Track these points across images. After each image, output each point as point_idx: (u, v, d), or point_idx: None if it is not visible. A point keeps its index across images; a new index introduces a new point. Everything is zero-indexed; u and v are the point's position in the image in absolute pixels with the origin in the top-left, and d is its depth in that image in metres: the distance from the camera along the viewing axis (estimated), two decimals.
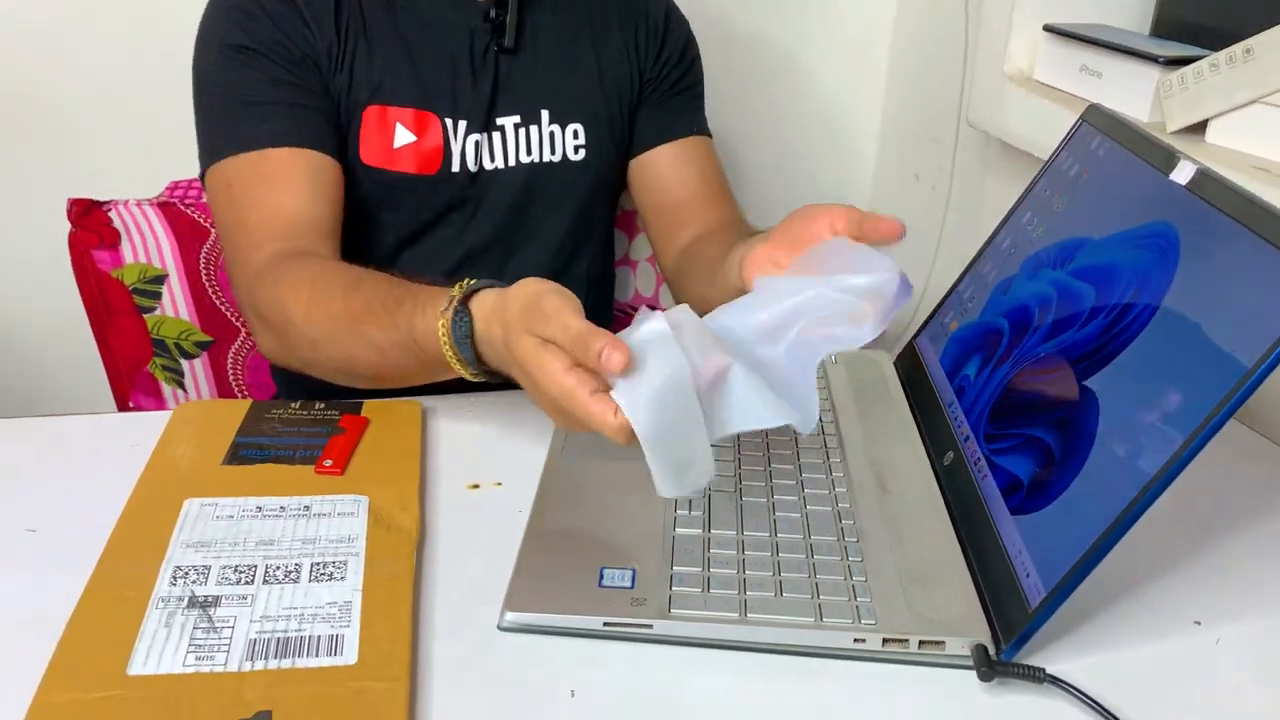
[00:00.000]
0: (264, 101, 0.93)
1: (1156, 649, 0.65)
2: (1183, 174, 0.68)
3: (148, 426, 0.80)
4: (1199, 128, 1.01)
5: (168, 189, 1.18)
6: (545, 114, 1.03)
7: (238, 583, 0.62)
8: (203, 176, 0.97)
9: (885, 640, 0.61)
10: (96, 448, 0.80)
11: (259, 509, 0.69)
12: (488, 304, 0.70)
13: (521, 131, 1.02)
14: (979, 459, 0.74)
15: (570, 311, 0.62)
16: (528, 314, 0.64)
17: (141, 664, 0.56)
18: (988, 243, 0.91)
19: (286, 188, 0.92)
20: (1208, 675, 0.63)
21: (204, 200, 1.13)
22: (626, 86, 1.08)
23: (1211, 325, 0.59)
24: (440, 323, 0.72)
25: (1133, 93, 1.08)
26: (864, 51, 1.65)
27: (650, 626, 0.61)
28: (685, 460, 0.59)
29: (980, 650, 0.60)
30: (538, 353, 0.62)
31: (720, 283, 0.88)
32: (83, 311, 1.18)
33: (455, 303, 0.71)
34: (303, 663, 0.56)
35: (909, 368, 0.94)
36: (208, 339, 1.20)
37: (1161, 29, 1.17)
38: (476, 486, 0.77)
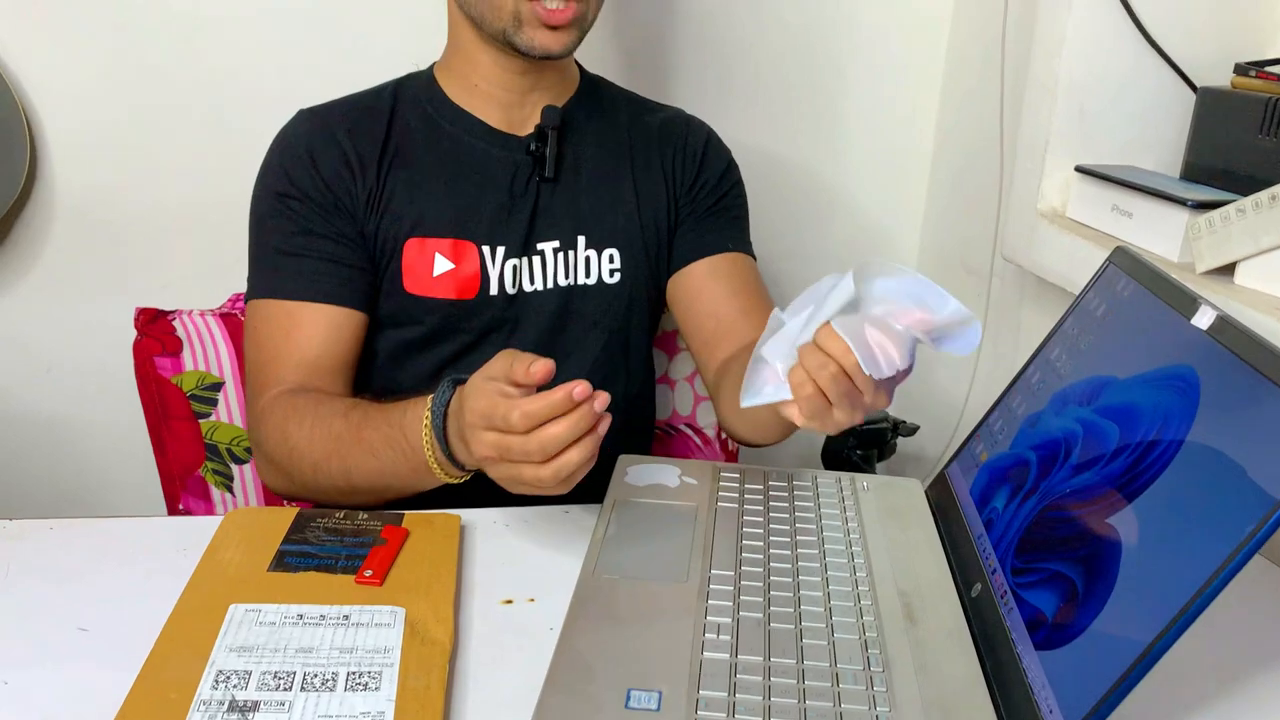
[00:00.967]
0: (295, 252, 1.01)
1: None
2: (1204, 319, 0.71)
3: (198, 531, 0.83)
4: (1228, 269, 1.03)
5: (230, 300, 1.24)
6: (582, 240, 1.08)
7: (276, 689, 0.64)
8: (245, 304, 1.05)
9: None
10: (149, 550, 0.83)
11: (300, 616, 0.71)
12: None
13: (560, 255, 1.07)
14: (1005, 592, 0.75)
15: (517, 352, 0.77)
16: (485, 366, 0.78)
17: None
18: (1018, 376, 0.93)
19: (304, 338, 1.00)
20: None
21: None
22: (663, 212, 1.12)
23: (1232, 465, 0.60)
24: (426, 410, 0.83)
25: (1163, 234, 1.10)
26: (903, 182, 1.70)
27: None
28: None
29: None
30: (477, 381, 0.77)
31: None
32: (141, 415, 1.23)
33: (444, 385, 0.83)
34: None
35: (940, 496, 0.95)
36: None
37: (1191, 173, 1.20)
38: (510, 602, 0.79)
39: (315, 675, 0.66)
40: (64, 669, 0.68)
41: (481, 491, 0.86)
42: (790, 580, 0.80)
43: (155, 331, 1.20)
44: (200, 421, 1.22)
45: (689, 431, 1.34)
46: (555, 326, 1.08)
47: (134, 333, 1.20)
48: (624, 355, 1.14)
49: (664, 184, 1.12)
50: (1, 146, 1.33)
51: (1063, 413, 0.82)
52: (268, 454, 0.97)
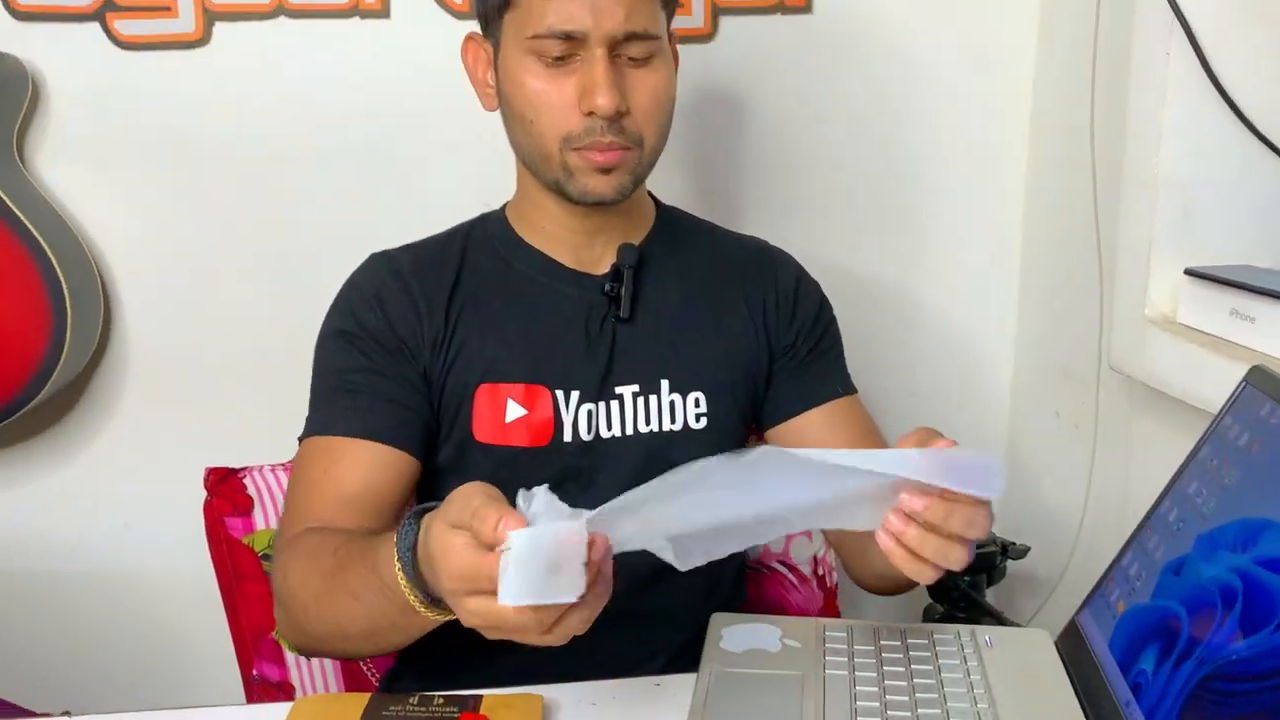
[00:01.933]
0: (351, 389, 0.97)
1: None
2: None
3: (273, 715, 0.77)
4: None
5: None
6: (665, 383, 1.02)
7: None
8: None
9: None
10: None
11: None
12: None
13: (640, 400, 1.01)
14: None
15: (476, 492, 0.67)
16: (444, 506, 0.68)
17: None
18: (1151, 512, 0.84)
19: (345, 473, 0.94)
20: None
21: None
22: (754, 356, 1.06)
23: None
24: (395, 544, 0.75)
25: None
26: (990, 288, 1.62)
27: None
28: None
29: None
30: (444, 534, 0.67)
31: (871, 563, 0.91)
32: (213, 576, 1.19)
33: (407, 520, 0.75)
34: None
35: (1073, 650, 0.85)
36: None
37: None
38: None
39: None
40: None
41: (557, 661, 0.79)
42: None
43: (225, 491, 1.16)
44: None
45: (783, 569, 1.25)
46: (637, 475, 1.01)
47: (204, 492, 1.17)
48: None
49: (753, 324, 1.07)
50: (78, 307, 1.34)
51: (1213, 560, 0.73)
52: (276, 598, 0.92)
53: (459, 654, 0.92)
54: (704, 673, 0.83)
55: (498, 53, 0.97)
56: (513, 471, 1.00)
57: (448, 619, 0.76)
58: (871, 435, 1.10)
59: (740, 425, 1.07)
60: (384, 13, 1.42)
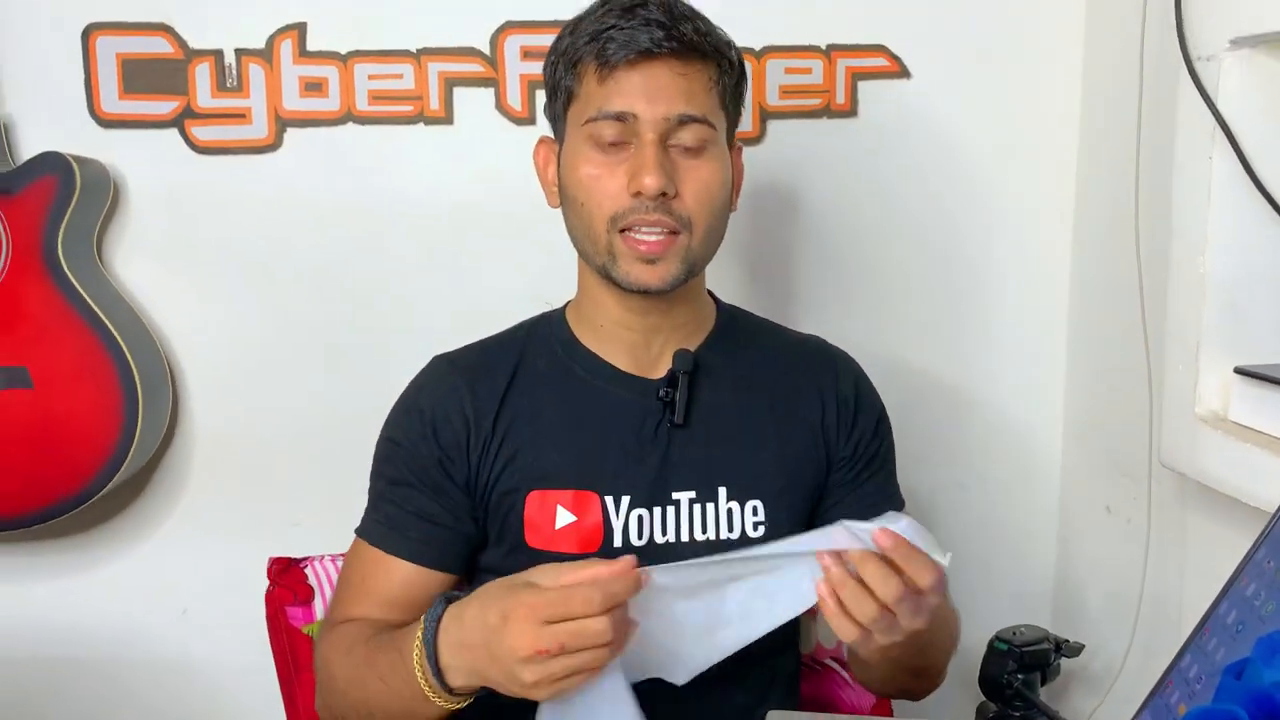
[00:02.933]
0: (394, 501, 1.03)
1: None
2: None
3: None
4: None
5: None
6: (723, 491, 1.03)
7: None
8: None
9: None
10: None
11: None
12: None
13: (697, 507, 1.02)
14: None
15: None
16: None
17: None
18: (1209, 613, 0.84)
19: (382, 584, 1.01)
20: None
21: None
22: (813, 464, 1.07)
23: None
24: (419, 629, 0.84)
25: None
26: (1038, 381, 1.64)
27: None
28: None
29: None
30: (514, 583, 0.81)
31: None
32: (269, 664, 1.21)
33: (437, 601, 0.86)
34: None
35: None
36: None
37: None
38: None
39: None
40: None
41: None
42: None
43: (288, 581, 1.19)
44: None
45: (835, 666, 1.25)
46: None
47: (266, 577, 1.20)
48: None
49: (811, 429, 1.08)
50: (149, 399, 1.39)
51: (1274, 664, 0.73)
52: (316, 679, 0.99)
53: None
54: None
55: (561, 148, 1.02)
56: None
57: (453, 706, 0.85)
58: None
59: (797, 530, 1.08)
60: (448, 119, 1.49)
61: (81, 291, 1.36)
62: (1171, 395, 1.24)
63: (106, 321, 1.36)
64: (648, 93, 0.93)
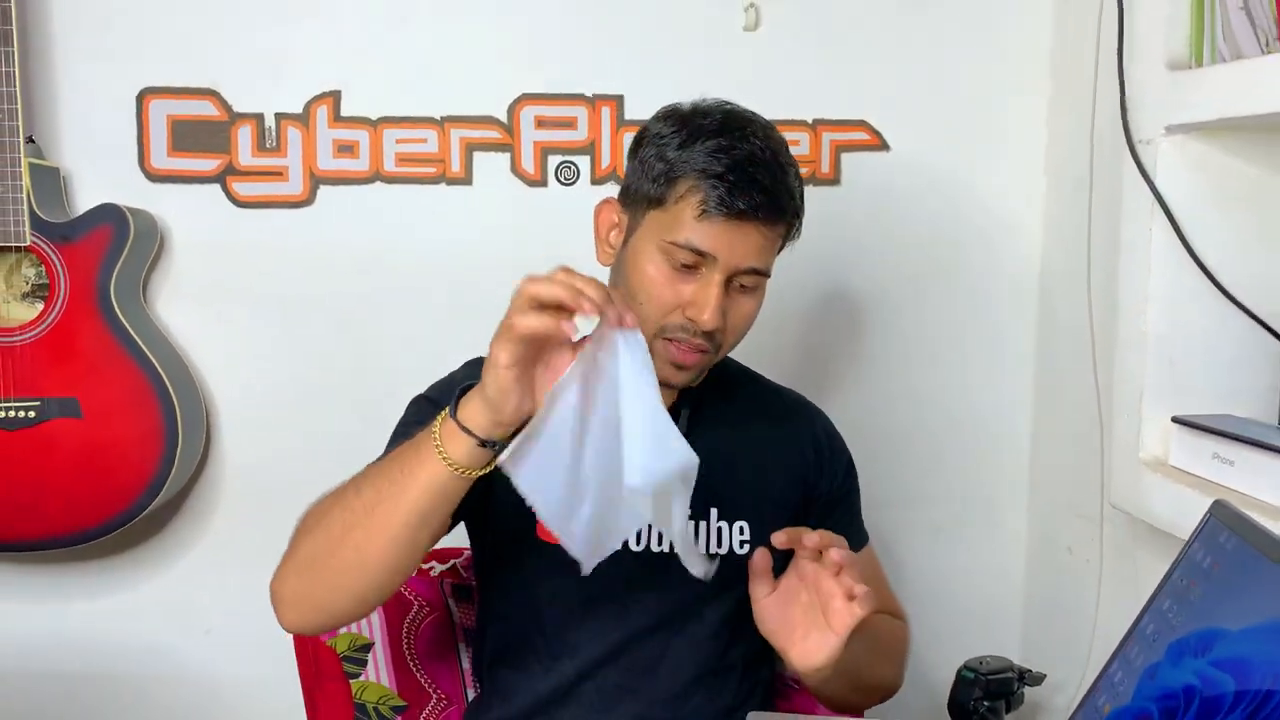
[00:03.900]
0: (408, 435, 1.06)
1: None
2: None
3: None
4: None
5: None
6: (714, 511, 1.16)
7: None
8: None
9: None
10: None
11: None
12: None
13: (690, 524, 1.15)
14: None
15: None
16: None
17: None
18: (1134, 627, 0.96)
19: None
20: None
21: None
22: (793, 495, 1.21)
23: None
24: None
25: (1268, 481, 1.14)
26: (1006, 436, 1.77)
27: None
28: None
29: None
30: None
31: None
32: (288, 679, 1.31)
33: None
34: None
35: None
36: (403, 703, 1.31)
37: None
38: None
39: None
40: None
41: None
42: None
43: None
44: (351, 682, 1.30)
45: None
46: (684, 587, 1.15)
47: None
48: (745, 623, 1.19)
49: (791, 465, 1.21)
50: (187, 431, 1.51)
51: (1179, 664, 0.85)
52: (285, 560, 1.04)
53: None
54: None
55: (633, 229, 1.12)
56: (569, 571, 1.13)
57: (457, 469, 0.91)
58: (881, 581, 1.26)
59: (780, 552, 1.20)
60: (467, 180, 1.64)
61: (131, 331, 1.49)
62: (1119, 443, 1.37)
63: (152, 359, 1.49)
64: (731, 244, 1.06)
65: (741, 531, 1.17)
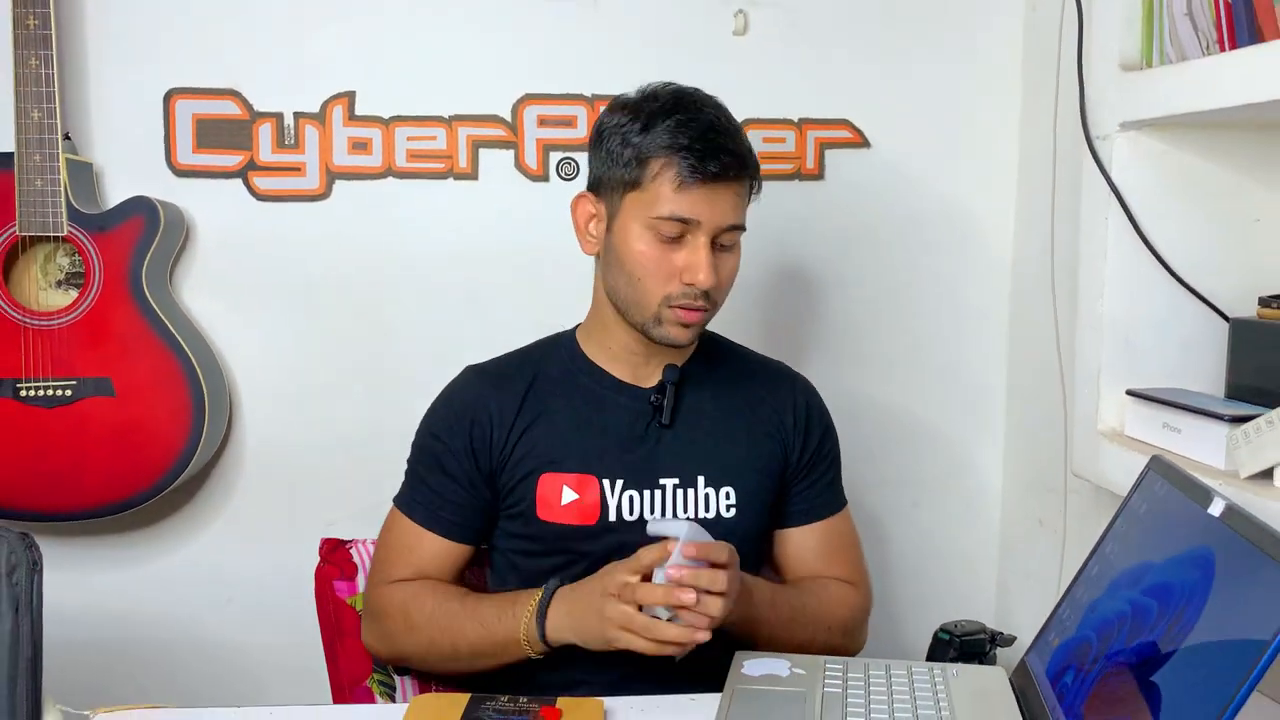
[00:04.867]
0: (430, 486, 1.26)
1: None
2: (1217, 508, 0.86)
3: (393, 712, 1.01)
4: (1268, 473, 1.17)
5: None
6: (701, 479, 1.26)
7: None
8: None
9: None
10: None
11: None
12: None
13: (680, 491, 1.25)
14: None
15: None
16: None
17: None
18: (1080, 571, 1.07)
19: (420, 555, 1.27)
20: None
21: None
22: (774, 459, 1.31)
23: (1235, 622, 0.74)
24: (535, 597, 1.14)
25: (1209, 446, 1.24)
26: (981, 414, 1.87)
27: None
28: None
29: None
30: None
31: None
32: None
33: (550, 584, 1.15)
34: None
35: (1021, 680, 1.07)
36: None
37: (1234, 392, 1.35)
38: None
39: None
40: None
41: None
42: None
43: (336, 559, 1.40)
44: (362, 637, 1.40)
45: None
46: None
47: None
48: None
49: (775, 435, 1.32)
50: (213, 409, 1.62)
51: (1115, 596, 0.96)
52: (387, 628, 1.24)
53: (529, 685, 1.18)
54: (727, 690, 1.05)
55: (613, 216, 1.22)
56: (567, 544, 1.25)
57: (538, 655, 1.13)
58: (852, 546, 1.36)
59: (764, 515, 1.31)
60: (474, 176, 1.74)
61: (161, 316, 1.59)
62: (1080, 416, 1.47)
63: (181, 342, 1.60)
64: (711, 206, 1.17)
65: (728, 496, 1.27)
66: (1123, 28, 1.36)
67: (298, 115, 1.72)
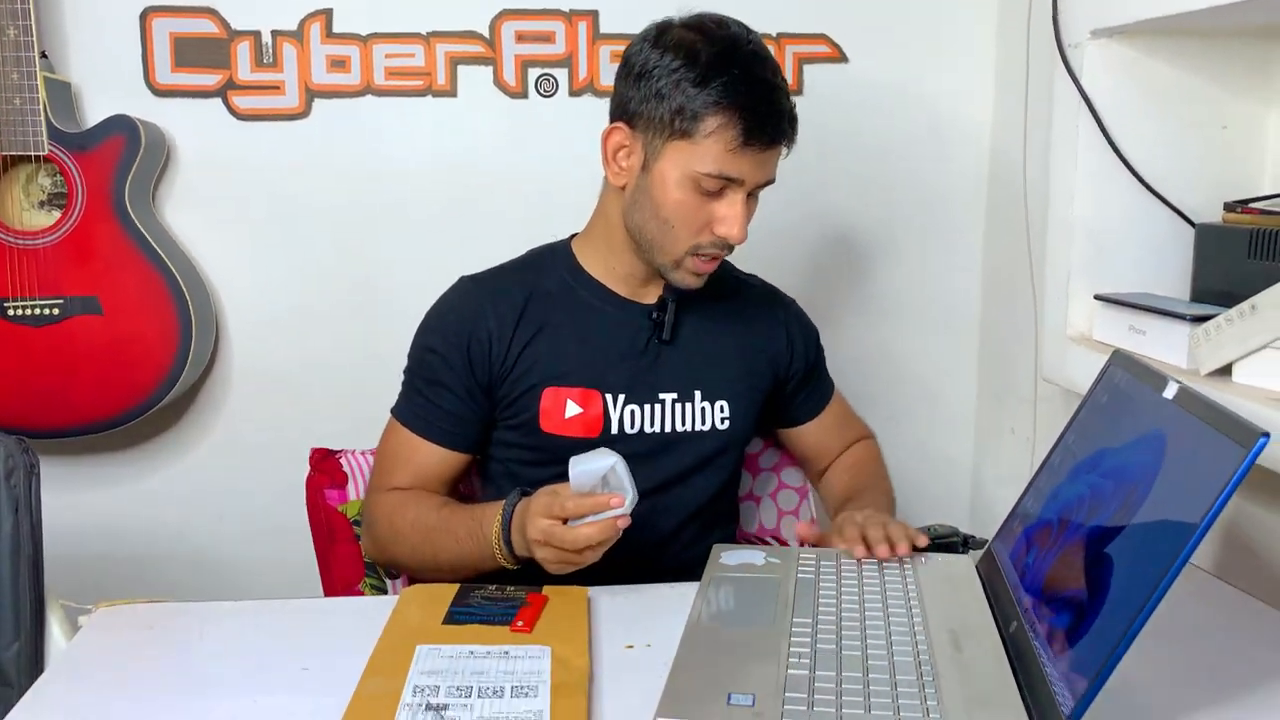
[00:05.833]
0: (427, 397, 1.28)
1: None
2: (1170, 391, 0.90)
3: (385, 604, 1.05)
4: (1227, 370, 1.21)
5: None
6: (698, 393, 1.30)
7: (460, 696, 0.84)
8: None
9: None
10: (349, 615, 1.06)
11: (471, 652, 0.92)
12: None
13: (678, 405, 1.29)
14: (1034, 621, 0.91)
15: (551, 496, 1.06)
16: (535, 498, 1.09)
17: None
18: (1044, 462, 1.12)
19: (419, 464, 1.29)
20: None
21: None
22: (767, 376, 1.36)
23: (1180, 495, 0.78)
24: (498, 514, 1.13)
25: (1172, 346, 1.29)
26: (957, 328, 1.91)
27: None
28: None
29: None
30: (536, 519, 1.06)
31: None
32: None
33: (513, 495, 1.14)
34: None
35: (988, 566, 1.12)
36: None
37: (1199, 295, 1.39)
38: (631, 646, 0.98)
39: (488, 688, 0.86)
40: (293, 696, 0.89)
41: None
42: (858, 621, 0.97)
43: (326, 468, 1.44)
44: (360, 543, 1.45)
45: (773, 543, 1.52)
46: (673, 461, 1.30)
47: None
48: (725, 484, 1.36)
49: (765, 353, 1.36)
50: (199, 327, 1.64)
51: (1076, 481, 1.00)
52: (376, 534, 1.27)
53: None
54: (706, 577, 1.10)
55: (651, 158, 1.18)
56: (569, 455, 1.27)
57: (510, 566, 1.13)
58: (850, 411, 1.47)
59: (751, 428, 1.36)
60: (452, 93, 1.75)
61: (145, 234, 1.60)
62: (1050, 322, 1.51)
63: (166, 260, 1.61)
64: (757, 168, 1.18)
65: (722, 410, 1.31)
66: None
67: (275, 33, 1.71)
